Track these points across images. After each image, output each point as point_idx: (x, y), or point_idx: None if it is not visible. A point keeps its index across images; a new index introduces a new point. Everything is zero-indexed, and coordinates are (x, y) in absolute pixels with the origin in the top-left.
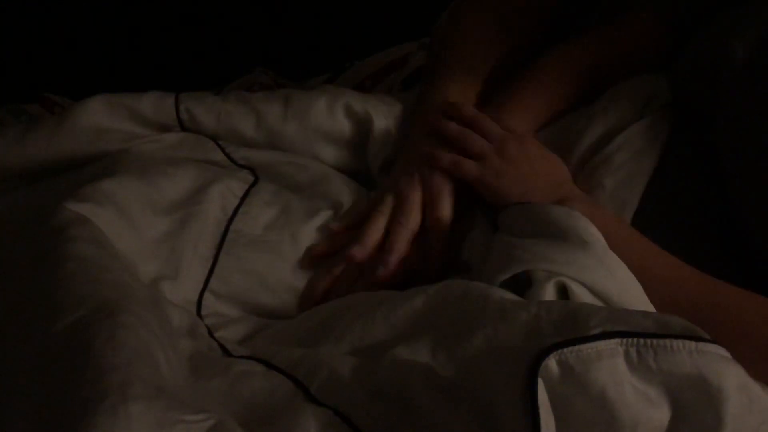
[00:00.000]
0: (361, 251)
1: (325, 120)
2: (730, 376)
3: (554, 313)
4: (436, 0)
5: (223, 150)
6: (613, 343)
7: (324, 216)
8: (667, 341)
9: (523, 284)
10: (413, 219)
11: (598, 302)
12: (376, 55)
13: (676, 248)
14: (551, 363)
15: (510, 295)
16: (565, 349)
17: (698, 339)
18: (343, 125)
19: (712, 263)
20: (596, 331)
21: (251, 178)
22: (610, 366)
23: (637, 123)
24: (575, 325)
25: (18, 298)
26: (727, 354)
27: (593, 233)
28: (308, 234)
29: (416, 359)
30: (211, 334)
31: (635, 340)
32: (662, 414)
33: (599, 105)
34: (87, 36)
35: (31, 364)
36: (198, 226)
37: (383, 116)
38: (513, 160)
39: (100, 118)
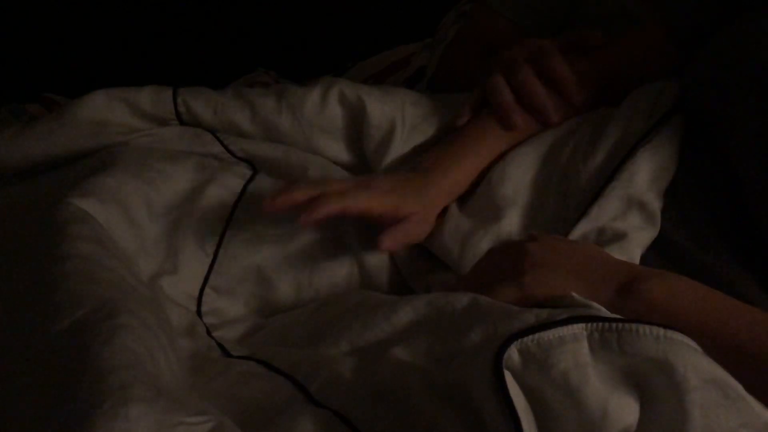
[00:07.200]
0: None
1: (319, 110)
2: (699, 367)
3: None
4: (438, 1)
5: (221, 142)
6: (578, 327)
7: None
8: (633, 325)
9: None
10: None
11: None
12: (379, 56)
13: (690, 252)
14: (513, 352)
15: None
16: (525, 338)
17: (668, 327)
18: (336, 113)
19: (728, 269)
20: (561, 317)
21: (249, 173)
22: (573, 350)
23: (656, 132)
24: (549, 315)
25: (16, 297)
26: (697, 346)
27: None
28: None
29: (416, 360)
30: (209, 333)
31: (600, 324)
32: (631, 401)
33: (606, 113)
34: (87, 36)
35: (30, 365)
36: (196, 224)
37: (376, 100)
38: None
39: (99, 112)
